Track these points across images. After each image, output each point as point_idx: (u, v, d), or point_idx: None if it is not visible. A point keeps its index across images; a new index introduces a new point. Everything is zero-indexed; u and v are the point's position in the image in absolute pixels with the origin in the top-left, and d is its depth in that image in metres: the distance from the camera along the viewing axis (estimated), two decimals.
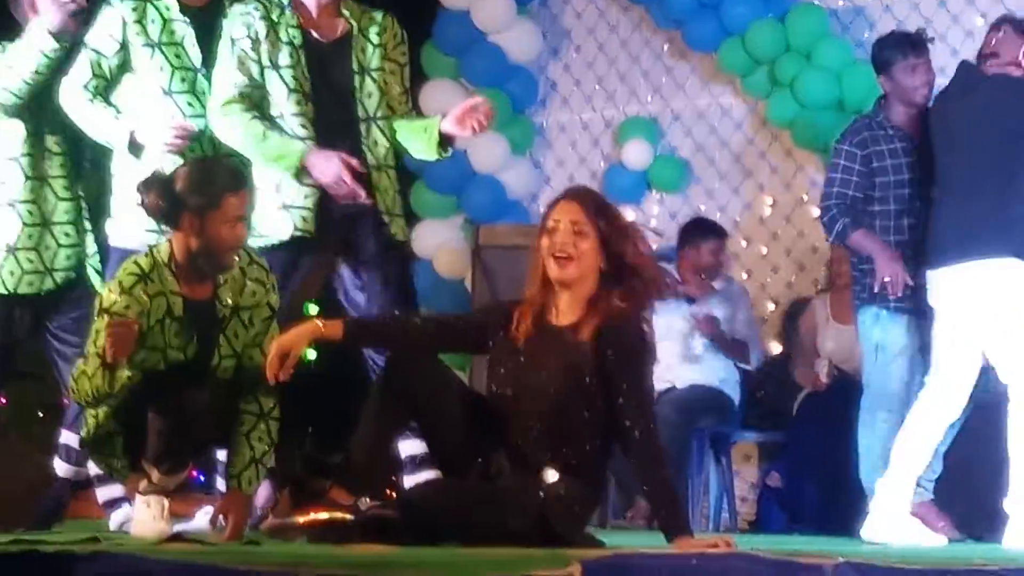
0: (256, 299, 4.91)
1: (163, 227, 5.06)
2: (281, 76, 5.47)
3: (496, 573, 3.15)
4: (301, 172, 5.38)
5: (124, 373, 4.63)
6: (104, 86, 5.52)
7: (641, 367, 4.40)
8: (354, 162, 5.40)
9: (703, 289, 7.59)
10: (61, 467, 5.73)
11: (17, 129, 5.60)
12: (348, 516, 4.31)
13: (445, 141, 5.53)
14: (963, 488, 6.38)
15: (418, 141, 5.57)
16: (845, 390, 7.23)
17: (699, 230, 7.74)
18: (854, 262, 6.40)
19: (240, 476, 4.79)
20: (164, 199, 4.77)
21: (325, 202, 5.42)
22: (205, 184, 4.78)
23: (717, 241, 7.67)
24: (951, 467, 6.26)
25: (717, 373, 7.50)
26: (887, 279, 6.07)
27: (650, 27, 8.59)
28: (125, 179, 5.43)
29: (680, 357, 7.44)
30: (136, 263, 4.80)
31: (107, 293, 4.77)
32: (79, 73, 5.51)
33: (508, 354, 4.45)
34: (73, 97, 5.51)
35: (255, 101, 5.44)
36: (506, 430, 4.42)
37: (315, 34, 5.56)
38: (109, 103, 5.51)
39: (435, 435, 4.52)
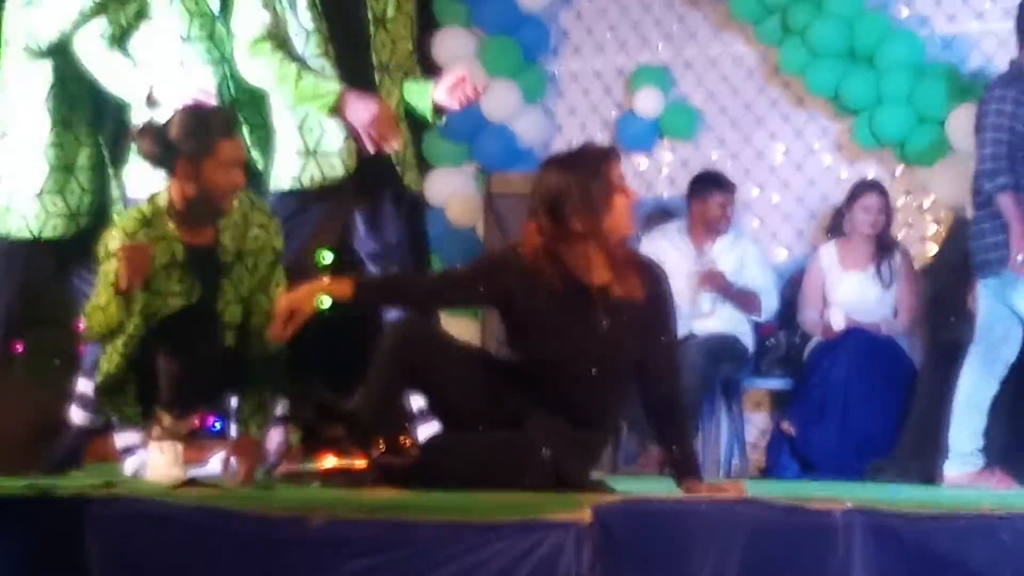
0: (260, 243, 4.94)
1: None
2: (299, 18, 5.46)
3: (508, 517, 3.17)
4: (335, 112, 5.32)
5: (138, 304, 4.67)
6: (121, 34, 5.54)
7: (673, 318, 4.43)
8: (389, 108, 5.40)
9: (710, 242, 7.60)
10: (78, 415, 5.74)
11: (45, 73, 5.63)
12: (361, 462, 4.33)
13: (437, 108, 5.56)
14: None
15: (420, 103, 5.58)
16: (857, 339, 7.25)
17: (706, 183, 7.73)
18: (982, 217, 6.37)
19: (249, 421, 4.82)
20: (158, 146, 4.82)
21: (354, 150, 5.40)
22: (198, 130, 4.82)
23: (724, 194, 7.66)
24: None
25: (733, 323, 7.50)
26: (1021, 256, 6.15)
27: None
28: None
29: (688, 313, 7.39)
30: (137, 210, 4.87)
31: (111, 240, 4.82)
32: (96, 22, 5.51)
33: (541, 311, 4.34)
34: (90, 46, 5.52)
35: (281, 40, 5.40)
36: (537, 387, 4.34)
37: None
38: (125, 52, 5.52)
39: (435, 401, 4.49)
